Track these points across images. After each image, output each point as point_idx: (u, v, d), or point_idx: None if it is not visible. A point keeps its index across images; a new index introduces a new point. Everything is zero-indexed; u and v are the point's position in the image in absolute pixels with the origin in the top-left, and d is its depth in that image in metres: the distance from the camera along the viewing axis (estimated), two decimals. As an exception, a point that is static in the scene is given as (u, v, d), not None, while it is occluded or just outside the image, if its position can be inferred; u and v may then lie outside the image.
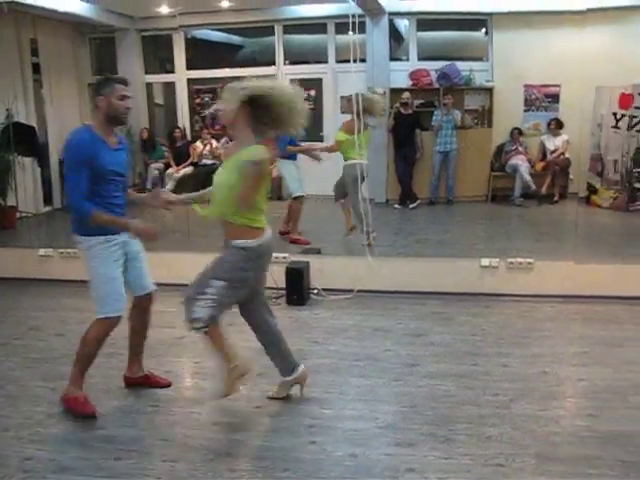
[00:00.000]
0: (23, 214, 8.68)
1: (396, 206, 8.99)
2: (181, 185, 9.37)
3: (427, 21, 9.55)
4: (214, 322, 3.46)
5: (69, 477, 3.01)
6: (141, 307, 3.84)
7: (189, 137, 10.03)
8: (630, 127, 8.15)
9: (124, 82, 3.53)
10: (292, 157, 7.16)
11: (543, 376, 4.04)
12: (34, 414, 3.63)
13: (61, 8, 8.08)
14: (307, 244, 6.71)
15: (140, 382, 3.97)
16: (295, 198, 7.11)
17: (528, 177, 8.73)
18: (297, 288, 5.35)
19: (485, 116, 9.42)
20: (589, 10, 7.00)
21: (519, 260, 5.62)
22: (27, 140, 8.53)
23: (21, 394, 3.89)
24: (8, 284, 6.24)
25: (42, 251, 6.38)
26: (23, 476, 3.03)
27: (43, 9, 8.01)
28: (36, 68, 9.24)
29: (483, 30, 9.54)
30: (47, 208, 9.39)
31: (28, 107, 9.04)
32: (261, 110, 3.36)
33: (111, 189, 3.54)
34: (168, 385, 4.00)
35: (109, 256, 3.54)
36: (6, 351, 4.57)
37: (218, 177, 3.48)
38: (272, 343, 3.74)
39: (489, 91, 9.22)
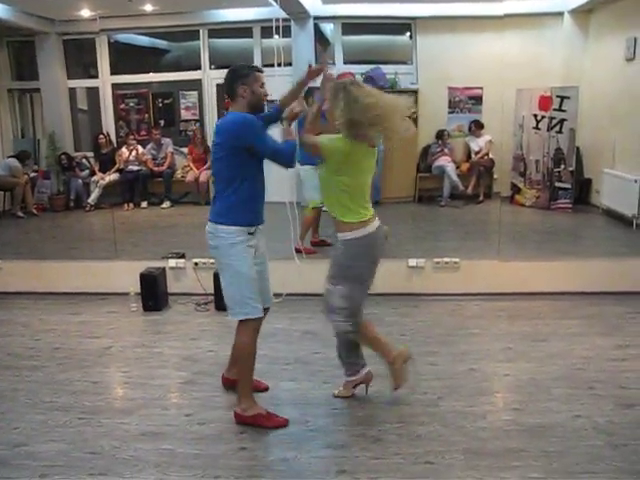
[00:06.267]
0: None
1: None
2: (107, 192, 9.17)
3: (352, 25, 9.65)
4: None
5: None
6: None
7: (115, 143, 9.78)
8: (550, 128, 8.41)
9: (260, 70, 3.55)
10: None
11: (470, 373, 4.13)
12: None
13: (-25, 10, 7.81)
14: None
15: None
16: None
17: (456, 178, 8.88)
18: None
19: (410, 118, 9.53)
20: (506, 15, 7.20)
21: (445, 260, 5.72)
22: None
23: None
24: None
25: None
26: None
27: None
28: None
29: (407, 34, 9.69)
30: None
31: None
32: None
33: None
34: (266, 389, 3.93)
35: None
36: None
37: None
38: (344, 341, 3.76)
39: (414, 93, 9.34)
